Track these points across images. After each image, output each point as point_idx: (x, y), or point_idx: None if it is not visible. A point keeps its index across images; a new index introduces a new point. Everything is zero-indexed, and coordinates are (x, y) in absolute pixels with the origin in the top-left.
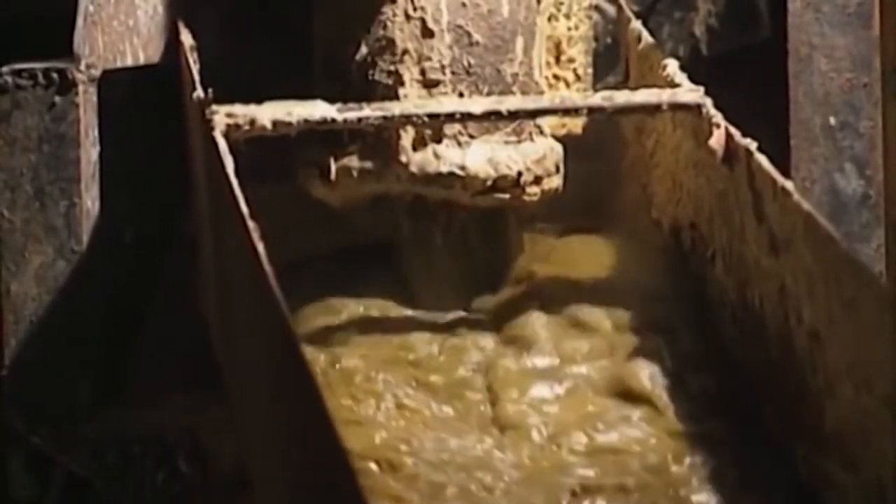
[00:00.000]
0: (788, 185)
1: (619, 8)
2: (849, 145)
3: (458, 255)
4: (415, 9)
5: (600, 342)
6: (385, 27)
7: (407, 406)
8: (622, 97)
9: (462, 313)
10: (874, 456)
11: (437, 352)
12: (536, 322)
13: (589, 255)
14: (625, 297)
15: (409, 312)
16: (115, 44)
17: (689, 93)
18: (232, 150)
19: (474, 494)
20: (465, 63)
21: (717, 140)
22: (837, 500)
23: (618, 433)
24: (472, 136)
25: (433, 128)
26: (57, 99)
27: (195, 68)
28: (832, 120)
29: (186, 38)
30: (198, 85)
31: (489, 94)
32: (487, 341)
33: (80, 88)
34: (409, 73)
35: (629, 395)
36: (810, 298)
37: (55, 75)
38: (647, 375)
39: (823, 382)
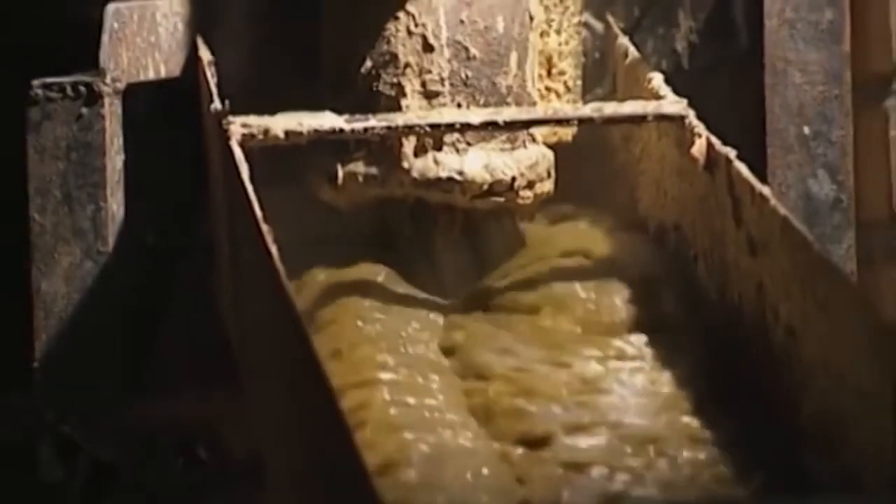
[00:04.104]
0: (766, 190)
1: (607, 25)
2: (822, 153)
3: (457, 253)
4: (416, 25)
5: (584, 321)
6: (388, 42)
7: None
8: (610, 108)
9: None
10: (850, 445)
11: (419, 326)
12: (524, 298)
13: (577, 241)
14: (613, 279)
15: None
16: (138, 59)
17: (673, 104)
18: (247, 158)
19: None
20: (463, 76)
21: (698, 149)
22: (816, 486)
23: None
24: (469, 144)
25: (433, 136)
26: (84, 110)
27: (213, 82)
28: (806, 129)
29: (205, 53)
30: (215, 97)
31: (485, 104)
32: (471, 320)
33: (106, 100)
34: (411, 85)
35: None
36: (786, 296)
37: (82, 88)
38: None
39: (799, 375)
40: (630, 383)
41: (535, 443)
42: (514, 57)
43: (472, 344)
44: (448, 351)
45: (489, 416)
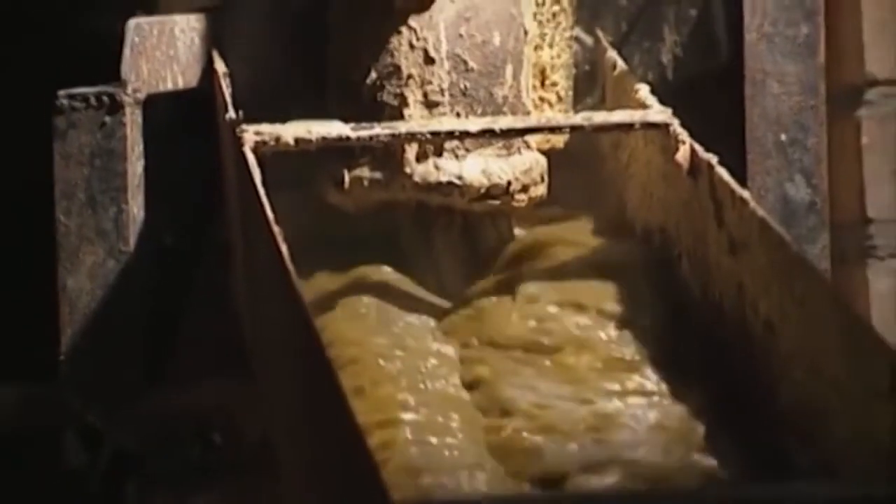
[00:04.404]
0: (745, 194)
1: (597, 39)
2: (798, 159)
3: (456, 252)
4: (418, 39)
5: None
6: (392, 55)
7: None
8: (600, 117)
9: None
10: (827, 433)
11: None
12: (520, 293)
13: (567, 240)
14: (600, 276)
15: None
16: (157, 71)
17: (659, 113)
18: (259, 163)
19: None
20: (462, 87)
21: (682, 155)
22: (796, 474)
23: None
24: (467, 150)
25: (434, 143)
26: (107, 119)
27: (227, 92)
28: (783, 137)
29: (220, 65)
30: (230, 107)
31: (483, 114)
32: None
33: (127, 110)
34: (413, 95)
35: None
36: (765, 294)
37: (105, 98)
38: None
39: (777, 368)
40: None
41: (551, 483)
42: (509, 69)
43: (496, 379)
44: (470, 386)
45: (507, 455)
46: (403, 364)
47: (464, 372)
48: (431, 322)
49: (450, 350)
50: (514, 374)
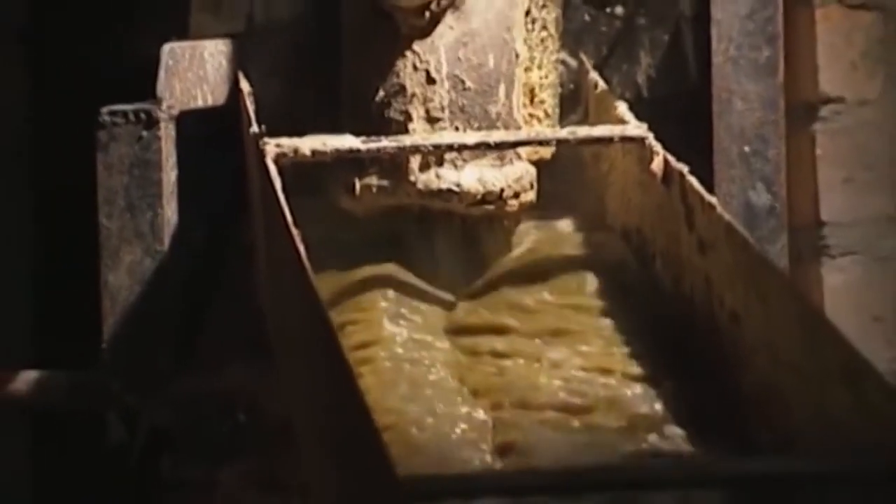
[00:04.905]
0: (713, 199)
1: (580, 62)
2: (759, 168)
3: (455, 251)
4: (421, 62)
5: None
6: (397, 76)
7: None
8: (583, 131)
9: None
10: (785, 413)
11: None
12: (510, 292)
13: (555, 241)
14: (586, 272)
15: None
16: (189, 90)
17: (635, 128)
18: (280, 173)
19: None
20: (460, 104)
21: (657, 165)
22: (757, 451)
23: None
24: (465, 161)
25: (435, 155)
26: (144, 133)
27: (251, 109)
28: (746, 148)
29: (245, 85)
30: (253, 122)
31: (479, 128)
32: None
33: (162, 125)
34: (417, 112)
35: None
36: (730, 288)
37: (143, 115)
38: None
39: (741, 354)
40: None
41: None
42: (502, 88)
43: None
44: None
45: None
46: (434, 433)
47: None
48: (452, 381)
49: (480, 413)
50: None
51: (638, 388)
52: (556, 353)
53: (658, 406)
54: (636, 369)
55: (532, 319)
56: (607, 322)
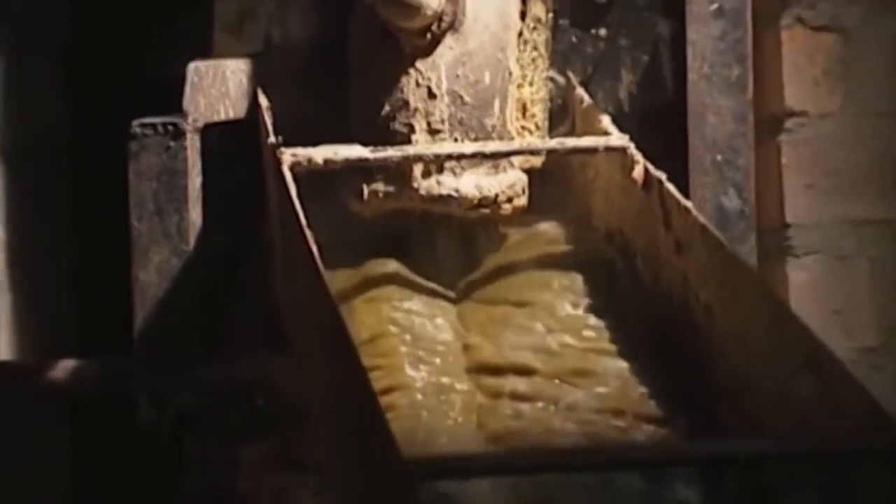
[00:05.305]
0: (688, 204)
1: (568, 79)
2: (730, 175)
3: (454, 250)
4: (423, 78)
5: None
6: (402, 92)
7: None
8: (570, 142)
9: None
10: (755, 398)
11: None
12: (503, 284)
13: (544, 241)
14: (573, 269)
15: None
16: (212, 104)
17: (618, 139)
18: (295, 179)
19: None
20: (459, 117)
21: (637, 172)
22: (729, 433)
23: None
24: (463, 169)
25: (436, 163)
26: (171, 143)
27: (269, 122)
28: (719, 157)
29: (263, 100)
30: (271, 134)
31: (475, 139)
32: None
33: (188, 136)
34: (419, 124)
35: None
36: (705, 284)
37: (170, 127)
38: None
39: (715, 345)
40: None
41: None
42: (497, 103)
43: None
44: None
45: None
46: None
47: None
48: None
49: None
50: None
51: (622, 368)
52: (553, 340)
53: (640, 388)
54: (620, 359)
55: (526, 313)
56: (592, 317)
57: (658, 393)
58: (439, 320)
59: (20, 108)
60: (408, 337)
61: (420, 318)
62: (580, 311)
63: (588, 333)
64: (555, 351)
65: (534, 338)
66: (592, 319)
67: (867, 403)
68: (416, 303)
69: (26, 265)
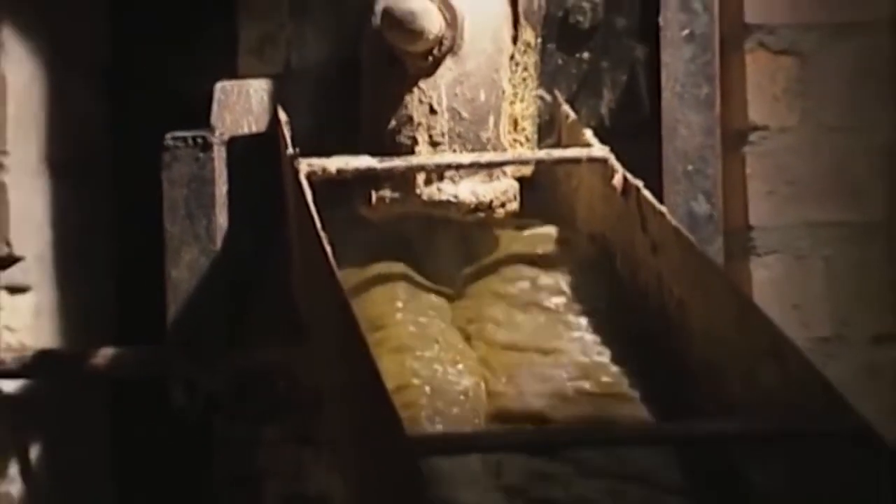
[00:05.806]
0: (663, 209)
1: (554, 97)
2: (700, 184)
3: (453, 250)
4: (425, 96)
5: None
6: (406, 108)
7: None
8: (557, 153)
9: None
10: (724, 383)
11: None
12: (494, 280)
13: (534, 242)
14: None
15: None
16: (237, 120)
17: (600, 151)
18: (311, 187)
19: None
20: (457, 131)
21: (617, 181)
22: (700, 414)
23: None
24: (461, 177)
25: (437, 172)
26: (200, 154)
27: (288, 135)
28: (689, 167)
29: (282, 115)
30: (289, 146)
31: (472, 151)
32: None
33: (216, 148)
34: (422, 137)
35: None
36: (678, 281)
37: (200, 140)
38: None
39: (687, 335)
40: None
41: None
42: (491, 119)
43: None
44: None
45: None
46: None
47: None
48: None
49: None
50: None
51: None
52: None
53: (619, 376)
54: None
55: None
56: (581, 318)
57: (634, 378)
58: (460, 366)
59: (65, 124)
60: (427, 389)
61: (441, 367)
62: (563, 301)
63: (574, 334)
64: (533, 331)
65: (518, 316)
66: (572, 316)
67: (824, 388)
68: (435, 350)
69: (72, 264)
